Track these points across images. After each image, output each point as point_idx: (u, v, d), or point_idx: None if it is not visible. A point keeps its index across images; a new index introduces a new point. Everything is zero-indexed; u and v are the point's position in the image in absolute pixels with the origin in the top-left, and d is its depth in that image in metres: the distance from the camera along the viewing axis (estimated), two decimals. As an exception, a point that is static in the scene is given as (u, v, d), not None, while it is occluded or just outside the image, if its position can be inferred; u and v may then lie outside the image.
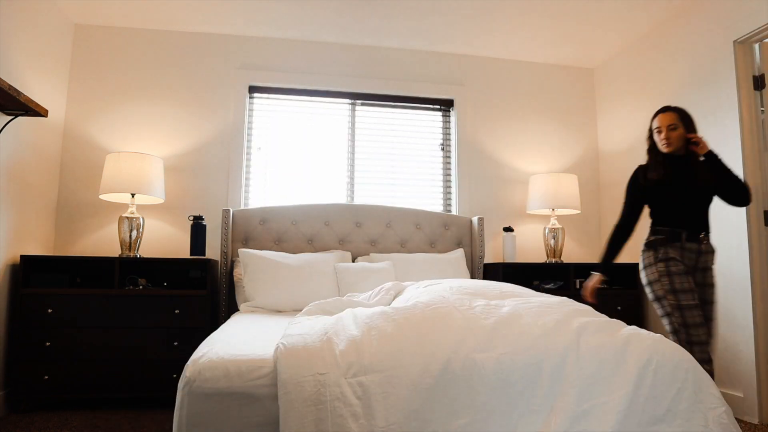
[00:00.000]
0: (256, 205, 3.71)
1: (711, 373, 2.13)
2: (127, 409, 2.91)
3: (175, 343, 2.96)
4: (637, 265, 3.67)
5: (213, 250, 3.51)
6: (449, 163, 4.06)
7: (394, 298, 2.45)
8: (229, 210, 3.31)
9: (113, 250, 3.41)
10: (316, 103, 3.94)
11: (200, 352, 1.67)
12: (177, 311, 3.00)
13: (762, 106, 2.93)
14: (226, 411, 1.53)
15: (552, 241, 3.76)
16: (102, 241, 3.46)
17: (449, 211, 4.01)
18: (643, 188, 2.47)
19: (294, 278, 3.06)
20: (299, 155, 3.88)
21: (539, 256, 3.99)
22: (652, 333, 1.78)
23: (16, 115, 2.80)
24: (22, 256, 2.91)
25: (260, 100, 3.88)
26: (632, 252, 3.81)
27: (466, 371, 1.59)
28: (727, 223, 2.98)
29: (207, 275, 3.14)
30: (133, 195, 3.21)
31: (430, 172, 4.05)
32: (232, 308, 3.20)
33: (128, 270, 3.19)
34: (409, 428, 1.49)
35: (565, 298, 2.17)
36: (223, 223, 3.26)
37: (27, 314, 2.87)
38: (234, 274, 3.25)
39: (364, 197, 3.91)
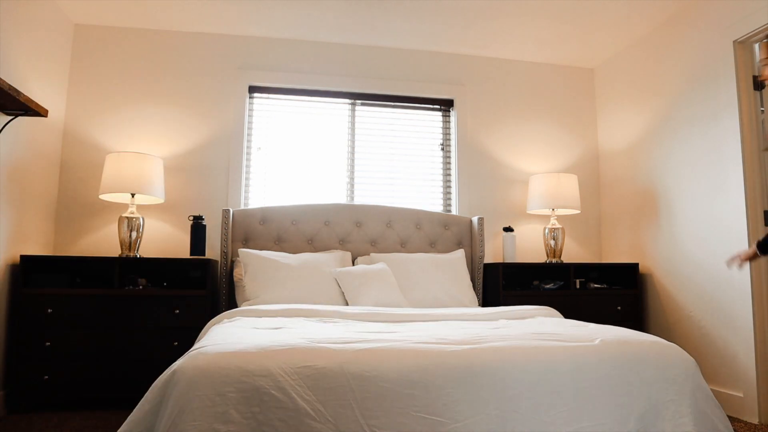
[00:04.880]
0: (256, 205, 3.71)
1: None
2: (127, 409, 2.84)
3: (175, 343, 2.96)
4: (636, 264, 3.68)
5: (213, 250, 3.51)
6: (449, 163, 4.06)
7: None
8: (229, 210, 3.31)
9: (113, 250, 3.41)
10: (316, 103, 3.94)
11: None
12: (177, 311, 3.00)
13: (762, 106, 2.92)
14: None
15: (552, 241, 3.76)
16: (102, 241, 3.46)
17: (449, 211, 4.01)
18: None
19: (294, 278, 3.06)
20: (299, 155, 3.87)
21: (539, 256, 3.99)
22: None
23: (16, 115, 2.80)
24: (22, 256, 2.91)
25: (260, 100, 3.87)
26: (632, 251, 3.82)
27: None
28: (726, 223, 2.99)
29: (207, 275, 3.14)
30: (133, 195, 3.21)
31: (430, 172, 4.05)
32: (232, 308, 3.19)
33: (128, 270, 3.18)
34: None
35: None
36: (223, 223, 3.26)
37: (27, 314, 2.87)
38: (234, 274, 3.25)
39: (364, 197, 3.90)
